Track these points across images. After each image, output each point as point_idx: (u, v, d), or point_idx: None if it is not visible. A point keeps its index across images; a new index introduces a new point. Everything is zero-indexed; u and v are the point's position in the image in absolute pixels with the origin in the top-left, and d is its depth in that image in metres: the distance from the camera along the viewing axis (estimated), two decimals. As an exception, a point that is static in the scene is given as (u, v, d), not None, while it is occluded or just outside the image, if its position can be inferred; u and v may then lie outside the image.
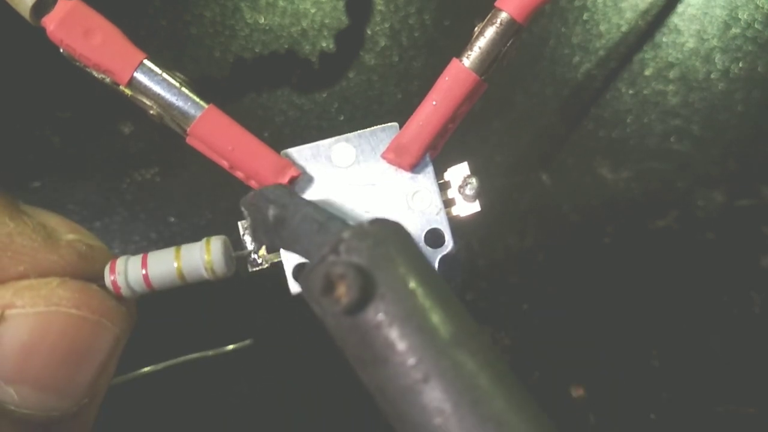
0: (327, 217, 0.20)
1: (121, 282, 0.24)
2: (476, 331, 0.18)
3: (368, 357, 0.17)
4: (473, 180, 0.25)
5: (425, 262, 0.19)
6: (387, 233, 0.18)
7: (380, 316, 0.17)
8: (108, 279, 0.24)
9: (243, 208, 0.23)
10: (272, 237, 0.21)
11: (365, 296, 0.17)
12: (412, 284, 0.18)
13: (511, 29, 0.24)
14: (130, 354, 0.36)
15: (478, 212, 0.26)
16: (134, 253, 0.24)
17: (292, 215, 0.20)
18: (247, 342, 0.36)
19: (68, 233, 0.23)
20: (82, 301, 0.22)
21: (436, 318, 0.17)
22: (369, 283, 0.17)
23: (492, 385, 0.17)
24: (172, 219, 0.39)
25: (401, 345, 0.17)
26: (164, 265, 0.24)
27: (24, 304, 0.21)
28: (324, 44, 0.41)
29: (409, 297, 0.17)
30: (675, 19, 0.42)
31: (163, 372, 0.35)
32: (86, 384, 0.22)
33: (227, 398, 0.36)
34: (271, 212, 0.20)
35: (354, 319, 0.17)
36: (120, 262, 0.24)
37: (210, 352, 0.36)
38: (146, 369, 0.35)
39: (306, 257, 0.22)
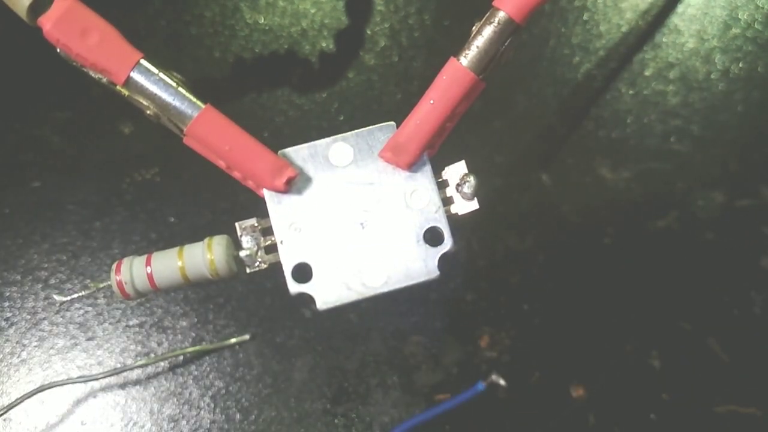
0: None
1: (126, 282, 0.24)
2: None
3: None
4: (471, 178, 0.25)
5: None
6: None
7: None
8: (114, 279, 0.24)
9: None
10: None
11: None
12: None
13: (508, 29, 0.24)
14: (133, 346, 0.36)
15: (477, 211, 0.26)
16: (134, 253, 0.24)
17: None
18: (246, 337, 0.36)
19: None
20: None
21: None
22: None
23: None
24: (172, 219, 0.39)
25: None
26: (168, 265, 0.24)
27: None
28: (324, 44, 0.41)
29: None
30: (675, 20, 0.42)
31: (163, 363, 0.36)
32: None
33: (224, 392, 0.36)
34: None
35: None
36: (125, 262, 0.24)
37: (210, 346, 0.36)
38: (142, 362, 0.35)
39: None
